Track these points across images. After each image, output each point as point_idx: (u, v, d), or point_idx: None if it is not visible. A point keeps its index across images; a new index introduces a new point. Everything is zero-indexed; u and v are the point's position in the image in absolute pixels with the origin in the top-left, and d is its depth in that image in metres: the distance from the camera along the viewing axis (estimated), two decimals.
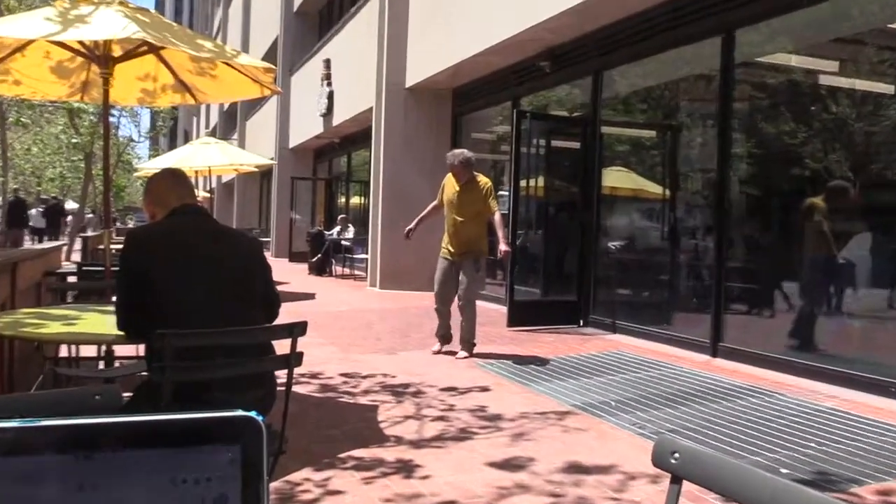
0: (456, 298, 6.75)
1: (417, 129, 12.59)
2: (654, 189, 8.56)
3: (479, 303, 11.08)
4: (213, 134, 25.93)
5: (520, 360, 6.67)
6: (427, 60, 11.85)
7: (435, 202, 7.01)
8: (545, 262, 9.29)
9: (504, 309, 9.04)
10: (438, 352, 6.82)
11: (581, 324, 8.73)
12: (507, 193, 10.91)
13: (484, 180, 6.71)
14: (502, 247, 6.55)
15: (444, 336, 6.93)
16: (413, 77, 12.40)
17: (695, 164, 7.91)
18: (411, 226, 7.06)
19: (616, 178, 9.11)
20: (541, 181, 9.30)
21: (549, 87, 10.33)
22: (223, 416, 0.58)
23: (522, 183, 8.83)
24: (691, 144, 7.95)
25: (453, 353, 6.84)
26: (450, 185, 6.79)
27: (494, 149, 12.84)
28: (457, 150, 6.84)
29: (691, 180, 8.00)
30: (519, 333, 8.16)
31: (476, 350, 6.92)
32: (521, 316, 8.50)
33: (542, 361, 6.57)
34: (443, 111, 12.76)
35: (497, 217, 6.57)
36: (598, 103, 8.93)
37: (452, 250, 6.70)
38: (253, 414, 0.58)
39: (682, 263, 7.94)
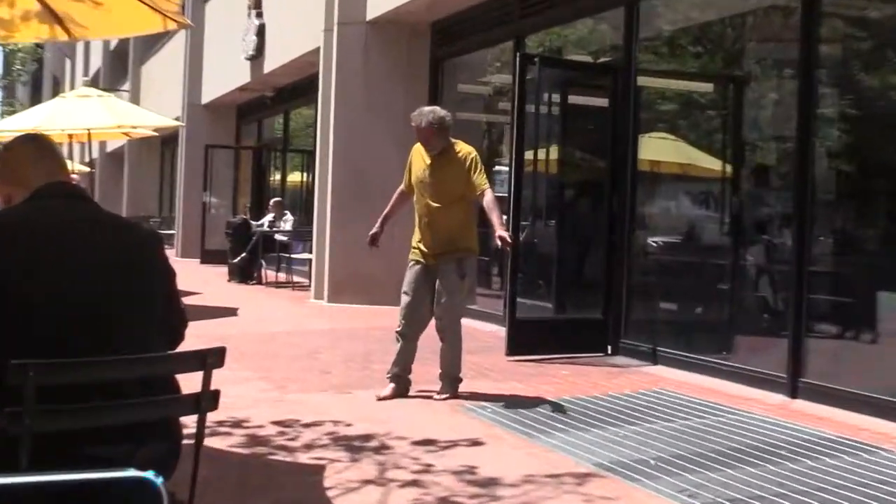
0: (434, 319, 6.71)
1: (383, 78, 12.56)
2: (710, 164, 8.58)
3: (467, 322, 11.14)
4: (94, 84, 25.71)
5: (523, 401, 6.63)
6: None
7: (401, 186, 6.96)
8: (560, 266, 9.31)
9: (502, 330, 9.03)
10: (385, 398, 6.62)
11: (608, 351, 8.74)
12: (506, 170, 10.93)
13: (466, 149, 6.68)
14: (500, 233, 6.44)
15: (400, 377, 6.73)
16: (377, 5, 12.38)
17: (766, 130, 7.94)
18: (375, 228, 6.95)
19: (658, 149, 9.12)
20: (554, 153, 9.31)
21: (565, 21, 10.35)
22: (110, 478, 0.55)
23: (528, 155, 8.83)
24: (762, 103, 7.98)
25: (427, 395, 6.81)
26: (418, 158, 6.76)
27: (490, 107, 12.85)
28: (426, 108, 6.81)
29: (762, 152, 8.04)
30: (522, 365, 8.14)
31: (462, 388, 6.89)
32: (525, 340, 8.50)
33: (553, 405, 6.54)
34: (418, 54, 12.75)
35: (488, 197, 6.54)
36: (634, 45, 8.94)
37: (426, 249, 6.63)
38: (150, 475, 0.55)
39: (748, 268, 7.97)
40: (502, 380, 7.51)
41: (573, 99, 9.59)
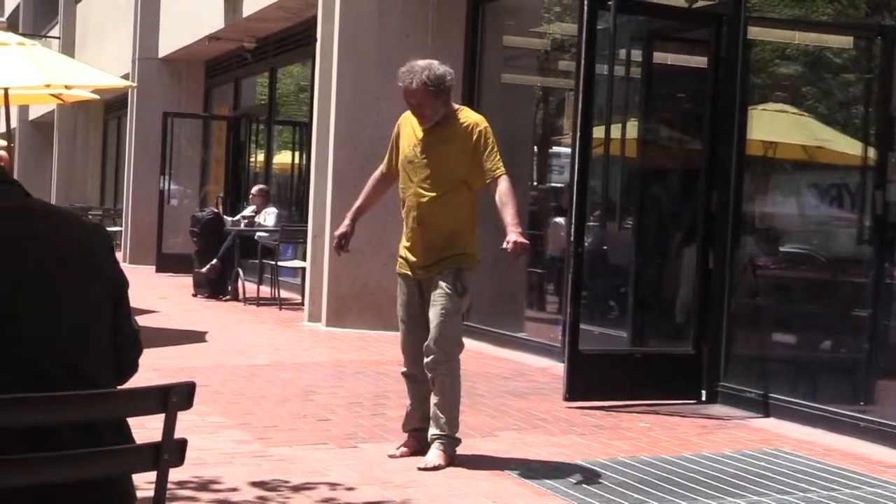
0: (424, 357, 6.49)
1: (403, 28, 12.59)
2: (846, 147, 8.54)
3: (513, 355, 11.23)
4: (11, 28, 25.91)
5: (587, 462, 6.62)
6: None
7: (381, 167, 6.93)
8: (638, 282, 9.29)
9: (559, 367, 9.03)
10: (400, 456, 6.56)
11: (703, 397, 8.72)
12: (567, 152, 10.92)
13: (473, 119, 6.61)
14: (511, 237, 6.32)
15: (419, 430, 6.67)
16: None
17: None
18: (344, 226, 6.86)
19: (774, 126, 9.09)
20: (632, 130, 9.30)
21: None
22: None
23: (597, 132, 8.83)
24: None
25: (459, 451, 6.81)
26: (407, 130, 6.67)
27: (546, 68, 12.86)
28: (418, 63, 6.69)
29: None
30: (587, 413, 8.15)
31: (513, 444, 6.86)
32: (590, 381, 8.49)
33: (628, 467, 6.53)
34: None
35: (503, 186, 6.46)
36: None
37: (414, 258, 6.56)
38: None
39: None
40: (560, 433, 7.50)
41: (660, 57, 9.59)
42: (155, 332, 10.93)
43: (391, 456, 6.58)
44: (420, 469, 6.29)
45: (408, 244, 6.59)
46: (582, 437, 7.38)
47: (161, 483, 2.80)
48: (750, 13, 8.89)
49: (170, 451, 2.76)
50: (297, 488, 5.88)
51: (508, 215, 6.38)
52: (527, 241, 6.44)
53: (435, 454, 6.38)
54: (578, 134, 8.75)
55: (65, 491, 2.65)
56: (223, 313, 14.69)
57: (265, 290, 16.17)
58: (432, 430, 6.45)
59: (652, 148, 9.62)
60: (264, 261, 16.27)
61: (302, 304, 14.08)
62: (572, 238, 8.65)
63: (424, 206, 6.47)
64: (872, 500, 5.96)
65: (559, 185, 12.10)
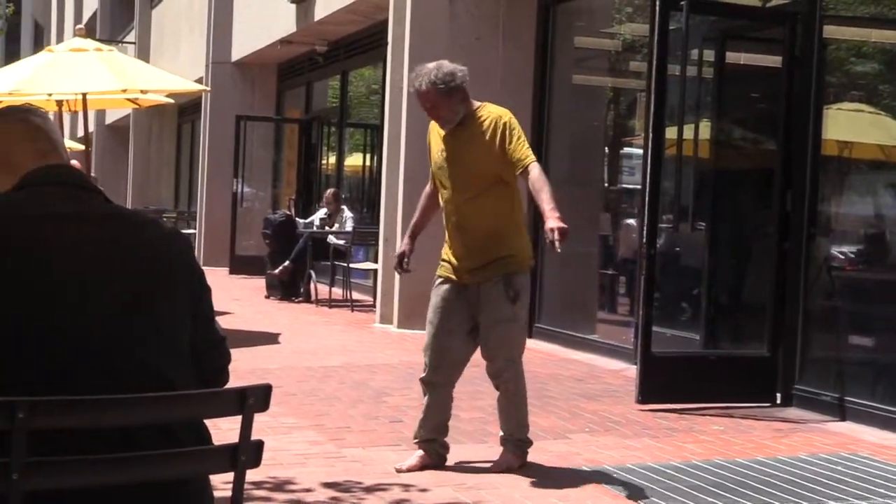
0: (486, 362, 6.44)
1: (474, 30, 12.61)
2: None
3: (585, 357, 11.22)
4: (90, 34, 26.27)
5: (660, 465, 6.60)
6: None
7: (428, 184, 6.85)
8: (711, 284, 9.24)
9: (632, 369, 9.01)
10: (409, 470, 6.31)
11: (777, 400, 8.67)
12: (639, 153, 10.89)
13: (495, 113, 6.41)
14: (550, 223, 6.08)
15: (431, 441, 6.47)
16: None
17: None
18: (403, 245, 6.85)
19: (851, 126, 9.01)
20: (705, 131, 9.26)
21: None
22: None
23: (670, 133, 8.80)
24: None
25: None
26: (434, 137, 6.56)
27: (616, 67, 12.82)
28: (427, 65, 6.48)
29: None
30: (660, 416, 8.13)
31: (585, 446, 6.85)
32: (663, 383, 8.47)
33: (702, 470, 6.51)
34: None
35: (534, 173, 6.25)
36: None
37: (457, 263, 6.40)
38: None
39: None
40: (633, 436, 7.49)
41: (733, 57, 9.53)
42: (229, 333, 10.96)
43: (398, 470, 6.30)
44: (494, 470, 6.31)
45: (450, 248, 6.45)
46: (655, 440, 7.36)
47: (238, 484, 2.82)
48: (825, 11, 8.81)
49: (247, 453, 2.78)
50: (369, 489, 5.92)
51: (544, 202, 6.14)
52: (566, 226, 6.13)
53: (507, 456, 6.37)
54: (650, 135, 8.74)
55: (144, 492, 2.68)
56: (295, 315, 14.80)
57: (337, 292, 16.29)
58: (503, 433, 6.43)
59: (725, 149, 9.56)
60: (336, 263, 16.36)
61: (373, 305, 14.13)
62: (644, 240, 8.63)
63: (461, 209, 6.34)
64: None
65: (631, 186, 12.05)
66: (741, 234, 9.43)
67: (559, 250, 6.20)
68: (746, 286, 9.53)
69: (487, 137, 6.28)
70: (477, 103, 6.43)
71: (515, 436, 6.40)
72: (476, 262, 6.28)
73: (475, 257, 6.29)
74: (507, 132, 6.26)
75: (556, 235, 6.01)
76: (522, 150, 6.25)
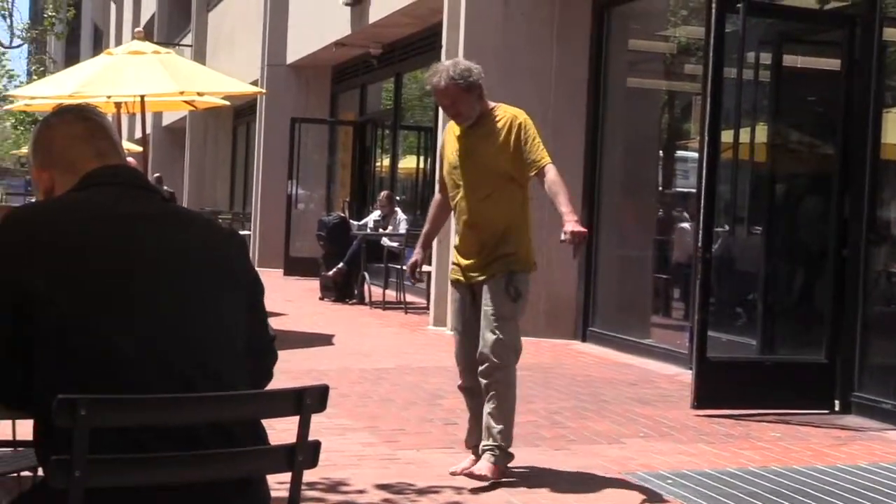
0: (479, 363, 6.24)
1: (529, 32, 12.61)
2: None
3: (640, 361, 11.17)
4: (147, 36, 26.50)
5: (716, 472, 6.57)
6: None
7: (436, 191, 6.85)
8: (768, 289, 9.20)
9: (686, 374, 8.98)
10: (461, 474, 6.21)
11: (836, 407, 8.60)
12: (695, 156, 10.85)
13: (510, 112, 6.36)
14: (569, 227, 6.06)
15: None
16: None
17: None
18: (415, 254, 6.81)
19: None
20: (761, 134, 9.23)
21: None
22: None
23: (726, 137, 8.77)
24: None
25: (586, 456, 6.79)
26: (450, 139, 6.52)
27: (673, 71, 12.78)
28: (443, 62, 6.47)
29: None
30: (715, 422, 8.10)
31: (640, 451, 6.83)
32: (719, 389, 8.43)
33: (758, 477, 6.47)
34: (575, 1, 12.75)
35: (551, 175, 6.19)
36: None
37: (466, 261, 6.37)
38: None
39: None
40: (688, 441, 7.46)
41: (790, 60, 9.49)
42: (283, 334, 11.00)
43: (453, 473, 6.24)
44: (465, 475, 6.07)
45: (459, 248, 6.45)
46: (711, 446, 7.33)
47: (296, 484, 2.84)
48: (885, 13, 8.75)
49: (304, 453, 2.80)
50: (422, 491, 5.95)
51: (561, 204, 6.12)
52: (585, 230, 6.15)
53: (485, 465, 6.09)
54: (706, 138, 8.70)
55: (204, 490, 2.71)
56: (349, 316, 14.86)
57: (390, 294, 16.31)
58: (484, 441, 6.18)
59: (782, 152, 9.51)
60: (390, 265, 16.40)
61: (427, 308, 14.16)
62: (700, 243, 8.59)
63: (473, 208, 6.30)
64: None
65: (686, 190, 12.01)
66: (798, 239, 9.37)
67: (575, 258, 6.20)
68: (803, 291, 9.47)
69: (502, 137, 6.25)
70: (493, 104, 6.39)
71: (497, 444, 6.13)
72: (483, 260, 6.25)
73: (482, 256, 6.25)
74: (523, 132, 6.23)
75: (575, 239, 6.04)
76: (538, 150, 6.22)
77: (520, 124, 6.24)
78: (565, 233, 6.05)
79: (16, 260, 2.75)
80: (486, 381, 6.18)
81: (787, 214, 9.43)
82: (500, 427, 6.14)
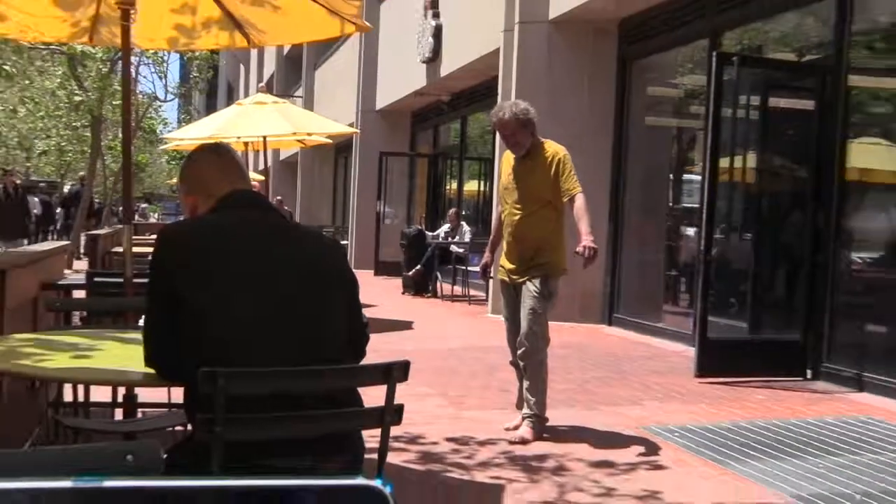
0: (519, 348, 6.30)
1: (567, 82, 12.61)
2: None
3: (654, 340, 11.16)
4: (268, 90, 26.74)
5: (713, 425, 6.59)
6: None
7: (498, 210, 6.71)
8: (756, 283, 9.15)
9: (691, 350, 8.96)
10: (514, 429, 6.25)
11: (809, 375, 8.55)
12: (698, 179, 10.80)
13: (554, 148, 6.30)
14: (585, 242, 6.08)
15: None
16: (560, 3, 12.44)
17: None
18: (486, 257, 6.84)
19: (870, 157, 8.86)
20: (751, 160, 9.18)
21: (766, 16, 10.17)
22: (340, 485, 0.66)
23: (723, 163, 8.74)
24: None
25: (611, 414, 6.81)
26: (506, 164, 6.50)
27: (681, 110, 12.74)
28: (505, 102, 6.45)
29: None
30: (713, 387, 8.09)
31: (654, 411, 6.85)
32: (716, 361, 8.42)
33: (747, 429, 6.48)
34: (604, 54, 12.73)
35: (579, 202, 6.18)
36: (846, 40, 8.70)
37: (511, 266, 6.34)
38: (377, 483, 0.65)
39: None
40: (691, 402, 7.48)
41: (774, 102, 9.41)
42: (373, 321, 11.11)
43: (506, 429, 6.26)
44: (512, 441, 6.03)
45: (506, 254, 6.42)
46: (709, 406, 7.35)
47: (384, 438, 2.92)
48: (850, 64, 8.69)
49: (391, 413, 2.89)
50: (482, 443, 5.99)
51: (583, 225, 6.12)
52: (596, 247, 6.13)
53: (524, 429, 6.13)
54: (708, 164, 8.71)
55: (315, 442, 2.78)
56: (425, 307, 14.91)
57: (457, 290, 16.34)
58: (524, 410, 6.24)
59: (767, 175, 9.43)
60: (457, 266, 16.46)
61: (486, 299, 14.18)
62: (702, 247, 8.60)
63: (517, 223, 6.28)
64: None
65: (691, 205, 11.93)
66: (780, 244, 9.30)
67: (585, 267, 6.23)
68: (783, 285, 9.40)
69: (546, 168, 6.23)
70: (542, 139, 6.35)
71: (533, 412, 6.17)
72: (524, 265, 6.24)
73: (524, 261, 6.25)
74: (562, 166, 6.20)
75: (587, 252, 6.05)
76: (572, 182, 6.19)
77: (559, 160, 6.21)
78: (581, 247, 6.07)
79: (170, 269, 2.85)
80: (524, 363, 6.25)
81: (772, 224, 9.36)
82: (534, 399, 6.19)
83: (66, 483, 0.65)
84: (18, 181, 25.19)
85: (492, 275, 6.89)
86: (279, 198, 26.14)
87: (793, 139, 9.51)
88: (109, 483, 0.64)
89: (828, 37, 9.00)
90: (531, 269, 6.21)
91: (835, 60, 8.73)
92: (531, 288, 6.17)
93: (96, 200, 30.53)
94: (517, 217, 6.30)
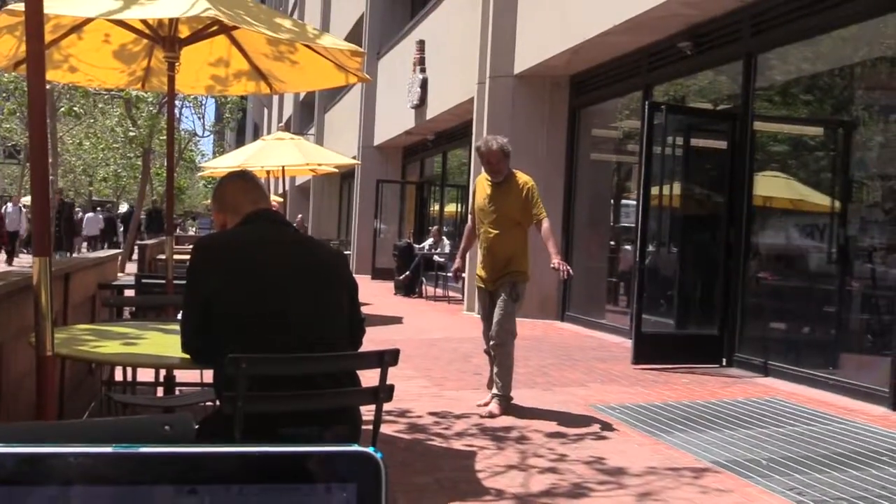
0: (490, 336, 6.28)
1: (528, 124, 12.62)
2: (819, 200, 8.32)
3: (598, 334, 11.16)
4: (287, 128, 26.69)
5: (647, 404, 6.59)
6: (540, 41, 11.90)
7: (469, 221, 6.59)
8: (680, 288, 9.16)
9: (628, 342, 8.95)
10: (484, 405, 6.24)
11: (723, 363, 8.56)
12: (633, 203, 10.81)
13: (524, 178, 6.25)
14: (554, 261, 6.06)
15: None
16: (523, 61, 12.46)
17: (872, 170, 7.65)
18: (457, 262, 6.86)
19: (771, 187, 8.89)
20: (676, 189, 9.19)
21: (688, 73, 10.21)
22: (340, 452, 0.62)
23: (654, 190, 8.75)
24: (868, 145, 7.69)
25: (565, 395, 6.78)
26: (480, 188, 6.43)
27: (620, 148, 12.76)
28: (490, 136, 6.38)
29: (868, 190, 7.73)
30: (646, 372, 8.07)
31: (598, 391, 6.81)
32: (649, 351, 8.41)
33: (674, 407, 6.48)
34: (558, 103, 12.76)
35: (545, 226, 6.13)
36: (751, 93, 8.76)
37: (486, 275, 6.27)
38: (372, 450, 0.61)
39: (854, 292, 7.67)
40: (629, 385, 7.46)
41: (695, 142, 9.45)
42: (369, 317, 11.13)
43: (478, 405, 6.27)
44: (483, 416, 6.01)
45: (482, 265, 6.35)
46: (644, 388, 7.33)
47: (378, 412, 2.88)
48: (755, 113, 8.74)
49: (384, 392, 2.85)
50: (459, 417, 5.98)
51: (552, 246, 6.10)
52: (565, 263, 6.14)
53: (493, 406, 6.12)
54: (641, 192, 8.71)
55: (321, 414, 2.75)
56: (412, 306, 14.86)
57: (439, 292, 16.32)
58: (493, 390, 6.21)
59: (690, 201, 9.46)
60: (438, 273, 16.44)
61: (462, 300, 14.17)
62: (637, 258, 8.61)
63: (492, 240, 6.22)
64: (836, 431, 5.79)
65: (628, 224, 11.96)
66: (700, 255, 9.32)
67: (563, 278, 6.24)
68: (703, 289, 9.41)
69: (518, 192, 6.19)
70: (513, 170, 6.30)
71: (501, 392, 6.16)
72: (497, 274, 6.20)
73: (497, 271, 6.20)
74: (531, 194, 6.17)
75: (562, 267, 6.06)
76: (538, 207, 6.16)
77: (529, 188, 6.19)
78: (557, 263, 6.06)
79: (204, 275, 2.82)
80: (494, 353, 6.23)
81: (693, 240, 9.38)
82: (502, 381, 6.18)
83: (107, 448, 0.62)
84: (65, 199, 25.10)
85: (463, 276, 6.84)
86: (300, 216, 26.16)
87: (710, 172, 9.53)
88: (144, 449, 0.62)
89: (737, 90, 9.04)
90: (503, 277, 6.16)
91: (742, 109, 8.79)
92: (503, 293, 6.13)
93: (142, 217, 30.59)
94: (492, 235, 6.22)
